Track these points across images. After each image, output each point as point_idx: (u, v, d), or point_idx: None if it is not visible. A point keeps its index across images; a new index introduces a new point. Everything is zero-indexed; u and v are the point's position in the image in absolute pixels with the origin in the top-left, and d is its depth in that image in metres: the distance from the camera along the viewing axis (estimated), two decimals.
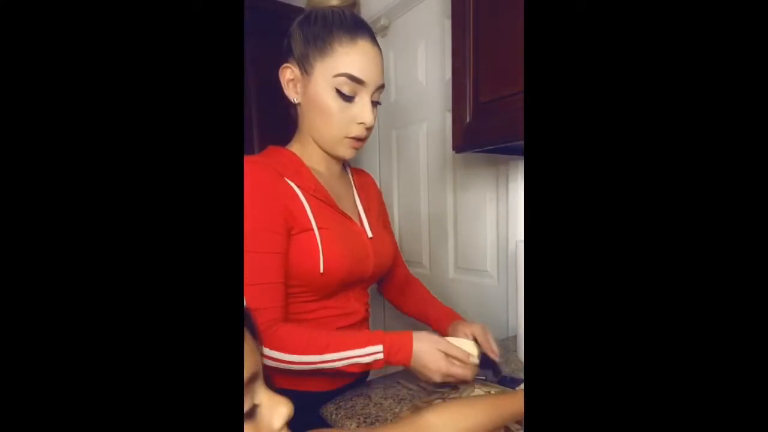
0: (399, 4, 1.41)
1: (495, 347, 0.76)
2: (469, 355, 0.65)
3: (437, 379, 0.63)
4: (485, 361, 0.76)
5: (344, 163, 0.83)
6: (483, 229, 1.23)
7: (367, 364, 0.62)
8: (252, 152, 1.42)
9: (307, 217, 0.67)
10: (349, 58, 0.66)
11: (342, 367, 0.62)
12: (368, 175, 0.92)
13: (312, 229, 0.67)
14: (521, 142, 0.78)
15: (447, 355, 0.63)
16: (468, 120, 0.84)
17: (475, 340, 0.77)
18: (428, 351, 0.62)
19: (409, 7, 1.39)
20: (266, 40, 1.41)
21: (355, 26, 0.68)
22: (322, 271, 0.66)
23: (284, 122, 1.42)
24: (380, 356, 0.61)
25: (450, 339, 0.67)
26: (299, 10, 1.56)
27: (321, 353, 0.61)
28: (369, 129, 0.71)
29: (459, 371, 0.63)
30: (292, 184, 0.67)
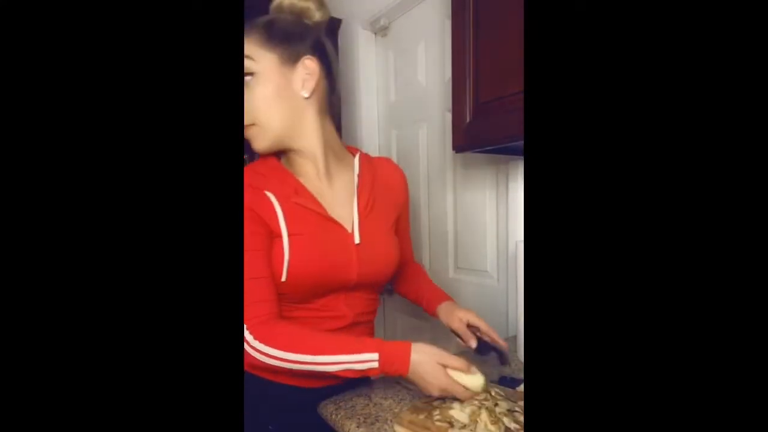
0: (399, 4, 1.41)
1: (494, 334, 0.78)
2: (470, 366, 0.63)
3: (435, 393, 0.62)
4: (488, 346, 0.76)
5: (360, 157, 0.80)
6: (483, 229, 1.23)
7: (362, 372, 0.61)
8: (252, 152, 1.42)
9: (278, 224, 0.67)
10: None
11: (335, 372, 0.61)
12: (392, 169, 0.85)
13: (281, 236, 0.67)
14: (521, 142, 0.78)
15: (447, 367, 0.62)
16: (468, 120, 0.84)
17: (471, 328, 0.78)
18: (427, 363, 0.61)
19: (409, 7, 1.39)
20: None
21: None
22: (284, 279, 0.67)
23: None
24: (375, 365, 0.61)
25: (458, 375, 0.63)
26: None
27: (315, 354, 0.60)
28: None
29: (458, 389, 0.62)
30: (270, 195, 0.68)
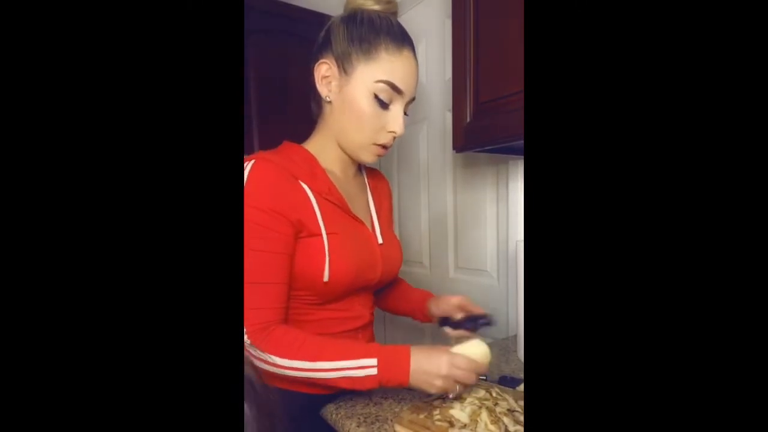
0: (399, 4, 1.40)
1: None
2: (477, 365, 0.61)
3: (440, 376, 0.58)
4: (476, 318, 0.77)
5: (359, 165, 0.82)
6: (483, 229, 1.23)
7: (360, 380, 0.58)
8: (252, 151, 1.42)
9: (317, 221, 0.65)
10: (393, 66, 0.66)
11: (333, 379, 0.59)
12: (382, 175, 0.91)
13: (320, 235, 0.65)
14: (521, 142, 0.78)
15: (452, 365, 0.59)
16: (468, 120, 0.84)
17: (466, 312, 0.78)
18: (425, 352, 0.59)
19: (409, 6, 1.40)
20: (266, 40, 1.40)
21: (401, 36, 0.68)
22: (326, 279, 0.65)
23: (284, 122, 1.42)
24: (374, 371, 0.58)
25: (460, 347, 0.62)
26: (299, 9, 1.55)
27: (313, 360, 0.59)
28: (395, 138, 0.71)
29: (462, 362, 0.59)
30: (305, 186, 0.66)
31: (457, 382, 0.59)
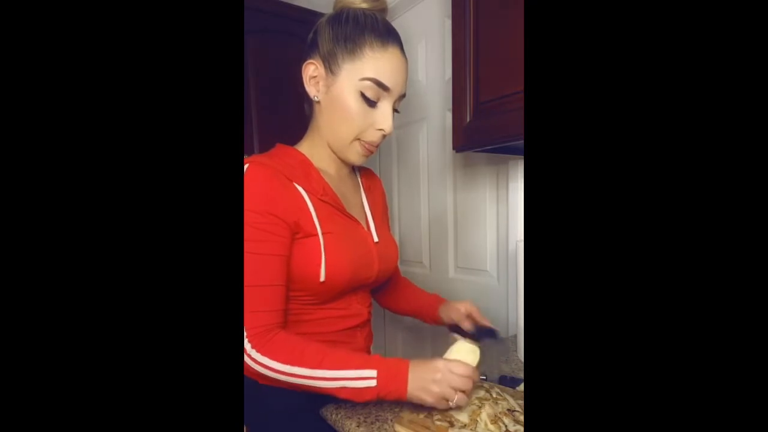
0: (399, 4, 1.41)
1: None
2: (473, 371, 0.61)
3: (436, 389, 0.58)
4: (483, 330, 0.78)
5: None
6: (483, 229, 1.23)
7: (358, 391, 0.58)
8: (252, 152, 1.42)
9: (313, 222, 0.66)
10: (379, 63, 0.65)
11: (331, 389, 0.59)
12: (375, 175, 0.92)
13: (316, 235, 0.66)
14: (521, 142, 0.78)
15: (448, 369, 0.59)
16: (468, 120, 0.84)
17: (473, 322, 0.80)
18: (424, 366, 0.59)
19: (409, 7, 1.40)
20: (266, 40, 1.40)
21: (386, 33, 0.67)
22: (323, 279, 0.65)
23: (284, 122, 1.42)
24: (373, 383, 0.58)
25: (451, 351, 0.64)
26: (299, 9, 1.55)
27: (313, 367, 0.59)
28: (384, 136, 0.71)
29: (458, 367, 0.59)
30: (300, 188, 0.67)
31: (454, 388, 0.58)
